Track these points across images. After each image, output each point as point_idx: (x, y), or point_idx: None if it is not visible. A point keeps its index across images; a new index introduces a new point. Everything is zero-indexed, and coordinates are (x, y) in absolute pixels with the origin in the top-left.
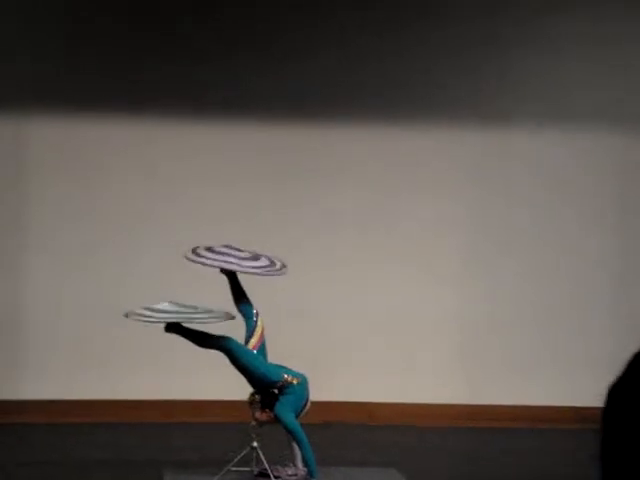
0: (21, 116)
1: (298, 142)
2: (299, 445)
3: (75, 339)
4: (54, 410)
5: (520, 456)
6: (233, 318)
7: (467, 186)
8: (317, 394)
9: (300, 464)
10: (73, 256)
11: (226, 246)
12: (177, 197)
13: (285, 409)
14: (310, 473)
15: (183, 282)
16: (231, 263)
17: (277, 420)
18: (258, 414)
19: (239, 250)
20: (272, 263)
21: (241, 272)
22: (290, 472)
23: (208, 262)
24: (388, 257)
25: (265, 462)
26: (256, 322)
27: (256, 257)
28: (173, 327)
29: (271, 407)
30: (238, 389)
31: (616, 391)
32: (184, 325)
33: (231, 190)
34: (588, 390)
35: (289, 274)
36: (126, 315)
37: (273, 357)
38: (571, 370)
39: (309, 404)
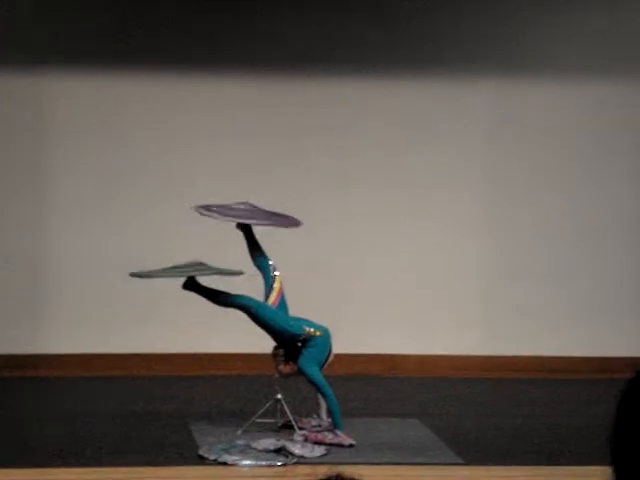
0: (40, 72)
1: (309, 97)
2: (324, 397)
3: (96, 293)
4: (76, 364)
5: (540, 406)
6: (241, 273)
7: (483, 137)
8: (340, 346)
9: (325, 415)
10: (93, 212)
11: (242, 203)
12: (196, 153)
13: (308, 362)
14: (335, 424)
15: (202, 237)
16: (244, 217)
17: (300, 373)
18: (282, 367)
19: (253, 206)
20: (286, 217)
21: (255, 225)
22: (314, 423)
23: (220, 217)
24: (405, 211)
25: (289, 414)
26: (274, 277)
27: (270, 213)
28: (190, 285)
29: (295, 359)
30: (262, 342)
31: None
32: (201, 284)
33: (246, 147)
34: (607, 341)
35: (306, 229)
36: (135, 274)
37: (294, 312)
38: (590, 321)
39: (332, 356)
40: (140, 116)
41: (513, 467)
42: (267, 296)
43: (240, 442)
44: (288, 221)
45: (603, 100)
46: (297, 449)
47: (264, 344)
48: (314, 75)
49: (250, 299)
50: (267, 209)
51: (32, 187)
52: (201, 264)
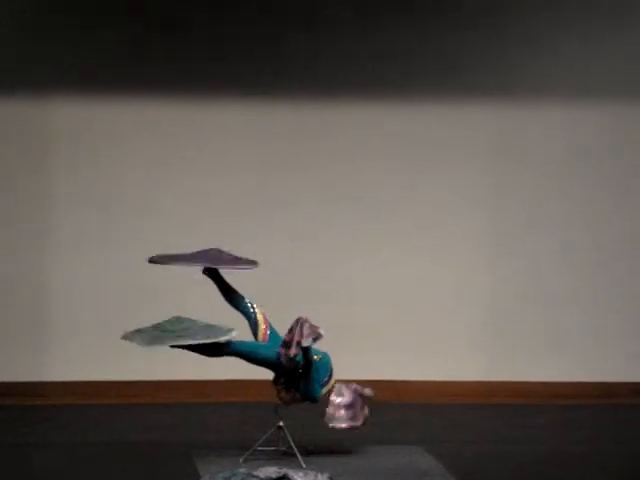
0: (43, 98)
1: (310, 121)
2: None
3: (100, 320)
4: (79, 392)
5: (545, 433)
6: (232, 331)
7: (491, 161)
8: (343, 373)
9: None
10: (95, 238)
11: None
12: (196, 180)
13: (311, 388)
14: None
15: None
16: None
17: (303, 399)
18: (284, 394)
19: (204, 252)
20: (237, 258)
21: (223, 269)
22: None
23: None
24: (409, 235)
25: (291, 441)
26: (254, 312)
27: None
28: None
29: (296, 387)
30: (263, 368)
31: None
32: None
33: (247, 174)
34: (612, 366)
35: (309, 254)
36: (124, 337)
37: None
38: (595, 346)
39: (334, 380)
40: (141, 142)
41: None
42: (255, 333)
43: (242, 470)
44: (241, 263)
45: (614, 120)
46: (300, 477)
47: (265, 370)
48: (314, 101)
49: (240, 343)
50: (229, 254)
51: (29, 215)
52: (177, 319)
